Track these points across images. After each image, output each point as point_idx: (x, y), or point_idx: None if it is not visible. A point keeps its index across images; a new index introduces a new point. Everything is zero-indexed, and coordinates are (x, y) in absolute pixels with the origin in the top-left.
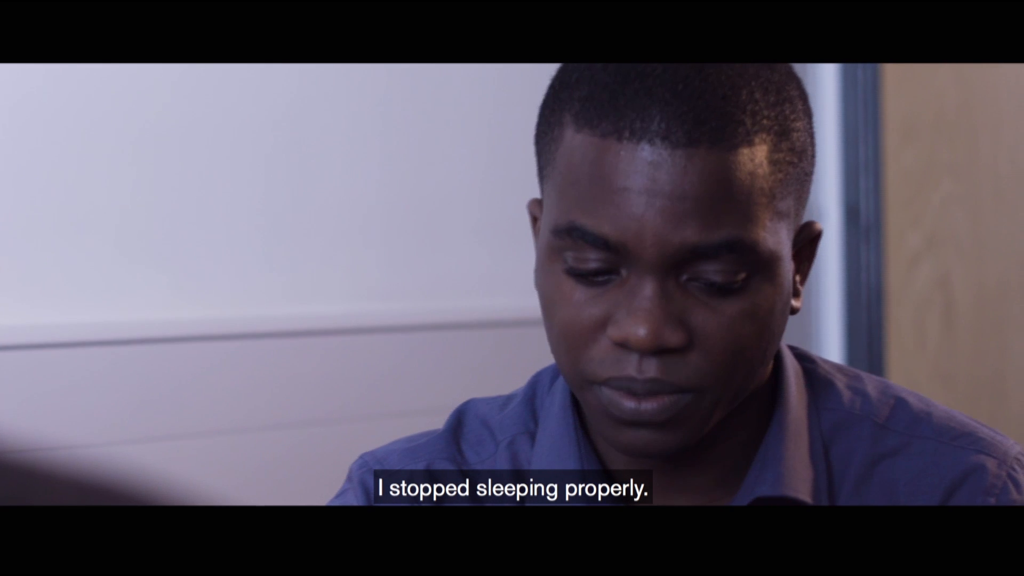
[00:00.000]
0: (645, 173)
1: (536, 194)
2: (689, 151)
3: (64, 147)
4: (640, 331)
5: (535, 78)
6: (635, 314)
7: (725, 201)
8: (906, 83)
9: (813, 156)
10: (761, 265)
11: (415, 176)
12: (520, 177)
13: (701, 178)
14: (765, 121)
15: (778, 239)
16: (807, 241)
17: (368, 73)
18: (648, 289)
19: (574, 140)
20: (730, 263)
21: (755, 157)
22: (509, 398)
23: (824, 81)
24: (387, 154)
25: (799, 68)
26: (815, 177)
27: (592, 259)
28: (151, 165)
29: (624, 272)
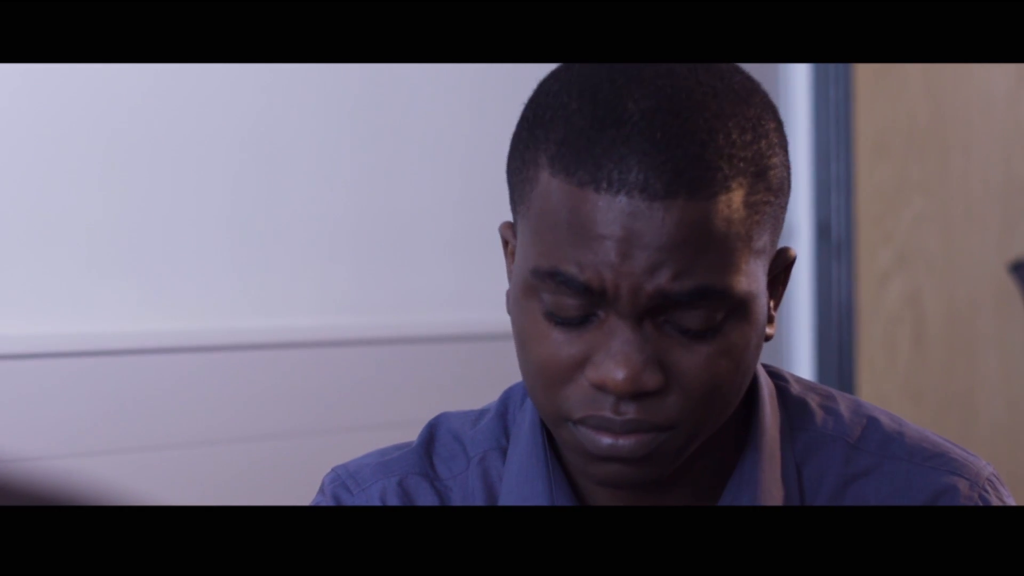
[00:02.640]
0: (622, 223)
1: (509, 208)
2: (667, 203)
3: (33, 157)
4: (618, 375)
5: (508, 94)
6: (613, 357)
7: (700, 249)
8: (878, 100)
9: (789, 187)
10: (736, 307)
11: (385, 189)
12: (491, 192)
13: (678, 229)
14: (742, 164)
15: (753, 279)
16: (781, 269)
17: (339, 86)
18: (626, 333)
19: (550, 184)
20: (704, 308)
21: (732, 203)
22: (481, 413)
23: (796, 97)
24: (358, 167)
25: (771, 83)
26: None
27: (570, 302)
28: (120, 176)
29: (602, 314)
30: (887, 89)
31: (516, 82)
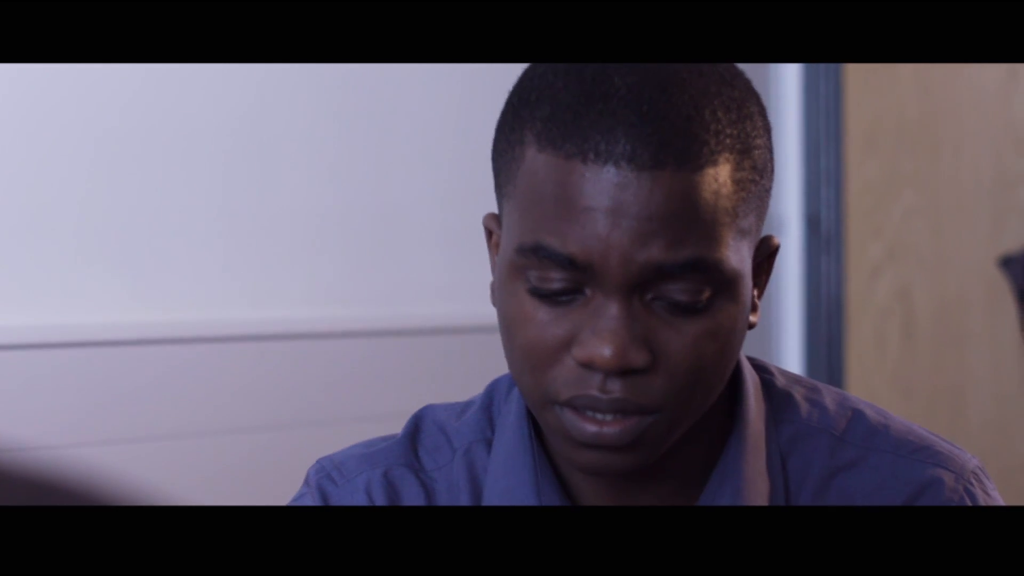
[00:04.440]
0: (610, 194)
1: (496, 203)
2: (654, 173)
3: (24, 149)
4: (605, 351)
5: (496, 85)
6: (600, 334)
7: (690, 221)
8: (868, 93)
9: (772, 172)
10: (724, 284)
11: (374, 181)
12: (480, 183)
13: (667, 199)
14: (728, 140)
15: (740, 257)
16: (765, 256)
17: (327, 78)
18: (613, 309)
19: (536, 160)
20: (694, 282)
21: (719, 177)
22: (467, 405)
23: (786, 91)
24: (346, 158)
25: (761, 77)
26: (776, 187)
27: (556, 279)
28: (110, 168)
29: (588, 292)
30: (877, 83)
31: (506, 74)
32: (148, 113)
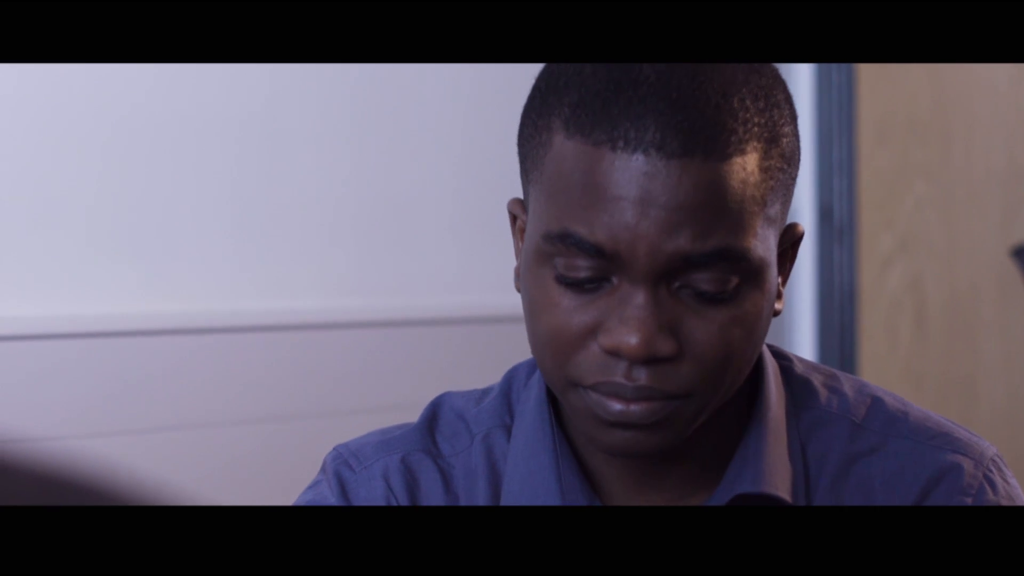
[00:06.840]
0: (639, 183)
1: (510, 190)
2: (683, 161)
3: (36, 141)
4: (632, 340)
5: (508, 77)
6: (627, 323)
7: (718, 210)
8: (880, 85)
9: (799, 160)
10: (751, 273)
11: (387, 171)
12: (492, 174)
13: (695, 188)
14: (756, 129)
15: (767, 246)
16: (790, 244)
17: (339, 69)
18: (640, 297)
19: (565, 146)
20: (721, 271)
21: (747, 165)
22: (485, 392)
23: (799, 82)
24: (359, 149)
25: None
26: None
27: (583, 267)
28: (122, 159)
29: (615, 280)
30: (889, 74)
31: (517, 68)
32: (160, 104)
